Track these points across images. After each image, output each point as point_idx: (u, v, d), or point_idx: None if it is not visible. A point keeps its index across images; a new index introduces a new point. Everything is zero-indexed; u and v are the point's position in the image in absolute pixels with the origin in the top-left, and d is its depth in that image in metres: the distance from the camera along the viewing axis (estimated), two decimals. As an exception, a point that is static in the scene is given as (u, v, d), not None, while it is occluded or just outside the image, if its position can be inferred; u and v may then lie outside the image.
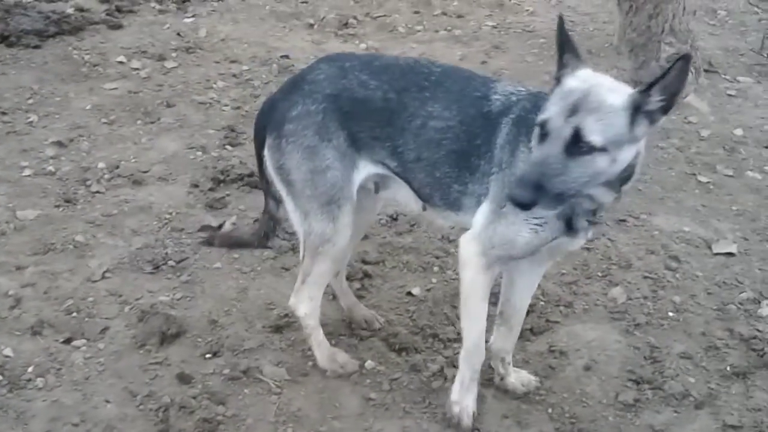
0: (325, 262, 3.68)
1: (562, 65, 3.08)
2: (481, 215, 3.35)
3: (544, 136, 2.94)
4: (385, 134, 3.52)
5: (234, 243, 4.36)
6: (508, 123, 3.31)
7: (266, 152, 3.66)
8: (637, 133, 2.94)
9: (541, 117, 2.97)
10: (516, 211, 3.09)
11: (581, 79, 3.00)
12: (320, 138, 3.50)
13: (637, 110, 2.90)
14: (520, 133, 3.25)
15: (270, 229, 3.99)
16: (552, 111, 2.94)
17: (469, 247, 3.38)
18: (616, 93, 2.93)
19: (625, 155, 2.96)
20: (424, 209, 3.66)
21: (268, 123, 3.64)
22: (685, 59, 2.86)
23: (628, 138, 2.92)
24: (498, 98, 3.38)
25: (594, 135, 2.86)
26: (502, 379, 3.86)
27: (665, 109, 2.93)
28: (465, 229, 3.44)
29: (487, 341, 3.65)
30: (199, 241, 4.57)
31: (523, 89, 3.41)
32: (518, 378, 3.86)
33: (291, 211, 3.67)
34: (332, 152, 3.51)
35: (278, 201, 3.80)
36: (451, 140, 3.44)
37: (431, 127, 3.46)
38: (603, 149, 2.87)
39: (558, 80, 3.05)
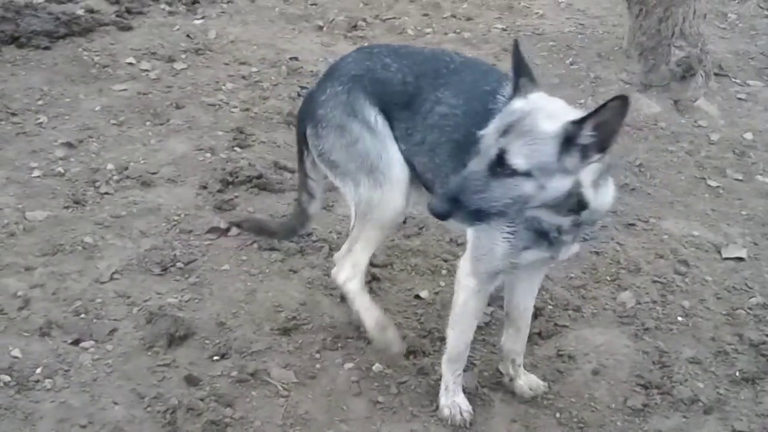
0: (373, 228, 3.76)
1: (516, 87, 3.07)
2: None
3: (477, 152, 2.98)
4: (402, 116, 3.62)
5: (261, 229, 4.48)
6: None
7: (309, 142, 3.82)
8: (567, 165, 2.90)
9: (480, 132, 2.99)
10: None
11: (528, 101, 3.00)
12: (347, 114, 3.66)
13: (568, 141, 2.87)
14: None
15: (299, 224, 4.15)
16: (489, 129, 2.97)
17: (463, 268, 3.50)
18: (552, 120, 2.90)
19: (557, 184, 2.93)
20: None
21: (306, 115, 3.83)
22: (622, 100, 2.80)
23: (557, 167, 2.89)
24: (503, 98, 3.37)
25: (518, 159, 2.87)
26: (511, 380, 3.87)
27: (600, 147, 2.88)
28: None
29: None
30: (229, 221, 4.67)
31: None
32: (527, 381, 3.87)
33: (343, 191, 3.82)
34: (358, 125, 3.65)
35: (312, 196, 3.97)
36: (452, 129, 3.48)
37: (437, 112, 3.52)
38: (527, 174, 2.88)
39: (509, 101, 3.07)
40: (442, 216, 2.99)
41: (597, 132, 2.85)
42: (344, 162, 3.69)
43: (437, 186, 3.58)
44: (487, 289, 3.52)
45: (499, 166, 2.89)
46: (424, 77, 3.61)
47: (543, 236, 3.23)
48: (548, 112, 2.95)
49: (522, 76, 3.07)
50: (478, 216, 2.97)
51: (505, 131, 2.91)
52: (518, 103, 3.00)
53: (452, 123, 3.49)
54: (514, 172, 2.88)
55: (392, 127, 3.66)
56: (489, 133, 2.95)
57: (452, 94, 3.51)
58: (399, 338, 3.93)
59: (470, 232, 3.44)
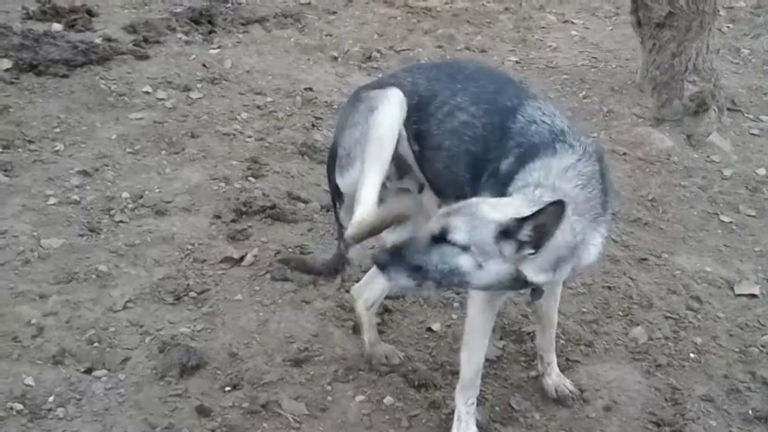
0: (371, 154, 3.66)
1: None
2: None
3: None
4: (414, 117, 3.66)
5: (307, 268, 4.51)
6: (514, 153, 3.37)
7: (334, 173, 3.86)
8: (505, 252, 3.02)
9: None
10: None
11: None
12: (359, 114, 3.72)
13: (506, 232, 3.00)
14: (512, 170, 3.31)
15: (339, 266, 4.19)
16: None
17: None
18: (497, 211, 3.05)
19: (496, 268, 3.05)
20: (420, 191, 3.82)
21: (331, 155, 3.89)
22: (559, 205, 2.92)
23: (494, 250, 3.01)
24: (522, 119, 3.42)
25: (458, 233, 3.03)
26: (540, 376, 4.02)
27: (534, 245, 3.01)
28: None
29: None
30: (278, 259, 4.70)
31: (547, 120, 3.41)
32: (555, 382, 3.99)
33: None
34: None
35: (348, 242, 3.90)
36: (471, 139, 3.52)
37: (457, 118, 3.56)
38: (465, 247, 3.02)
39: None
40: (381, 265, 3.14)
41: (534, 231, 2.98)
42: (352, 148, 3.70)
43: (448, 193, 3.64)
44: (495, 305, 3.55)
45: (442, 237, 3.05)
46: (436, 81, 3.68)
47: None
48: (494, 204, 3.12)
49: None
50: (418, 274, 3.09)
51: (452, 212, 3.09)
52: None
53: (471, 133, 3.52)
54: (453, 244, 3.03)
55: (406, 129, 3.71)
56: (438, 213, 3.14)
57: (471, 102, 3.56)
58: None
59: None
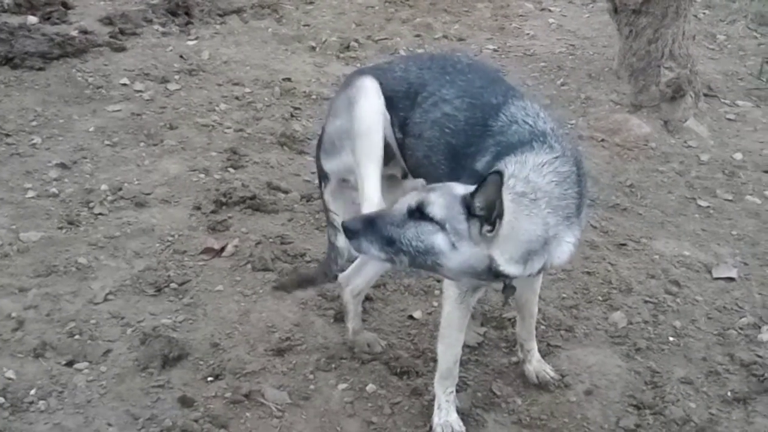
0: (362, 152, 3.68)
1: None
2: None
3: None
4: (402, 105, 3.67)
5: (303, 281, 4.39)
6: (492, 151, 3.35)
7: (319, 158, 3.92)
8: (473, 232, 3.02)
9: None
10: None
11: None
12: (344, 106, 3.73)
13: (468, 208, 3.01)
14: (490, 167, 3.27)
15: (333, 260, 4.04)
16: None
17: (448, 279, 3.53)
18: (465, 188, 3.07)
19: (468, 250, 3.04)
20: (404, 177, 3.83)
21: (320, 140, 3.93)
22: (496, 174, 2.92)
23: (466, 230, 3.02)
24: (504, 118, 3.41)
25: (434, 208, 3.03)
26: (522, 362, 4.04)
27: (488, 219, 3.00)
28: None
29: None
30: (273, 286, 4.55)
31: (529, 121, 3.38)
32: (536, 368, 4.01)
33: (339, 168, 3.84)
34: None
35: (336, 228, 3.88)
36: (452, 132, 3.52)
37: (440, 109, 3.56)
38: (440, 224, 3.02)
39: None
40: (352, 232, 3.12)
41: (484, 204, 2.97)
42: (338, 140, 3.74)
43: (429, 181, 3.62)
44: (469, 301, 3.55)
45: (418, 210, 3.05)
46: (429, 70, 3.69)
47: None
48: (465, 185, 3.10)
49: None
50: (391, 248, 3.09)
51: (430, 189, 3.13)
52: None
53: (452, 126, 3.52)
54: (430, 219, 3.03)
55: (392, 116, 3.71)
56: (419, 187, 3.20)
57: (456, 95, 3.56)
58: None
59: None
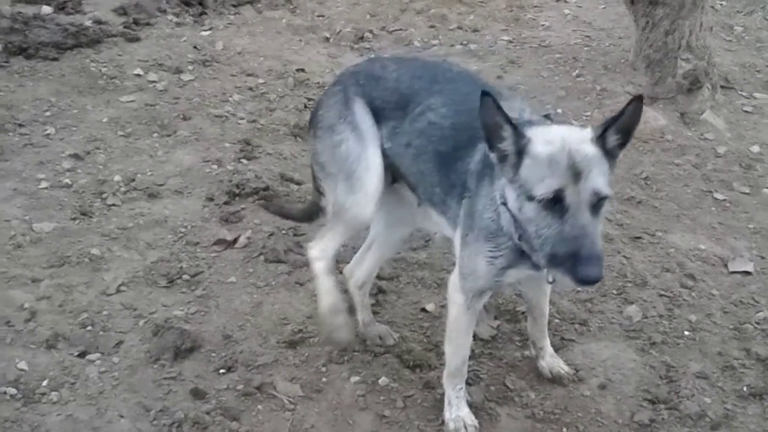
0: (344, 228, 3.82)
1: (517, 136, 3.02)
2: (456, 242, 3.48)
3: (560, 207, 2.93)
4: (393, 115, 3.65)
5: (284, 213, 4.61)
6: (482, 150, 3.30)
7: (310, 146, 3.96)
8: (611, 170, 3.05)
9: (543, 193, 2.92)
10: (477, 241, 3.28)
11: (549, 141, 3.00)
12: (337, 116, 3.72)
13: (605, 152, 3.00)
14: (487, 165, 3.26)
15: (314, 213, 4.14)
16: (555, 183, 2.92)
17: (452, 284, 3.54)
18: (586, 143, 2.98)
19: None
20: (419, 205, 3.79)
21: (310, 119, 3.93)
22: (638, 99, 2.95)
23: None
24: None
25: (605, 188, 2.96)
26: (535, 359, 4.03)
27: (622, 146, 3.04)
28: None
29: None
30: (257, 203, 4.76)
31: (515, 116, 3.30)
32: (549, 364, 3.99)
33: (324, 190, 3.87)
34: (346, 126, 3.69)
35: (321, 193, 3.95)
36: (438, 139, 3.51)
37: (426, 118, 3.55)
38: (610, 197, 3.02)
39: (521, 150, 3.01)
40: (599, 279, 2.94)
41: (619, 134, 3.00)
42: (329, 164, 3.75)
43: (420, 192, 3.67)
44: (476, 305, 3.54)
45: (596, 204, 2.95)
46: (419, 80, 3.65)
47: (525, 255, 3.23)
48: (574, 139, 3.00)
49: (510, 122, 3.02)
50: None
51: (576, 175, 2.91)
52: (543, 148, 2.98)
53: (439, 133, 3.51)
54: (605, 200, 2.99)
55: (381, 126, 3.69)
56: (562, 187, 2.90)
57: (443, 103, 3.54)
58: (349, 327, 3.94)
59: (458, 249, 3.46)
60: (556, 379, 3.97)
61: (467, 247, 3.37)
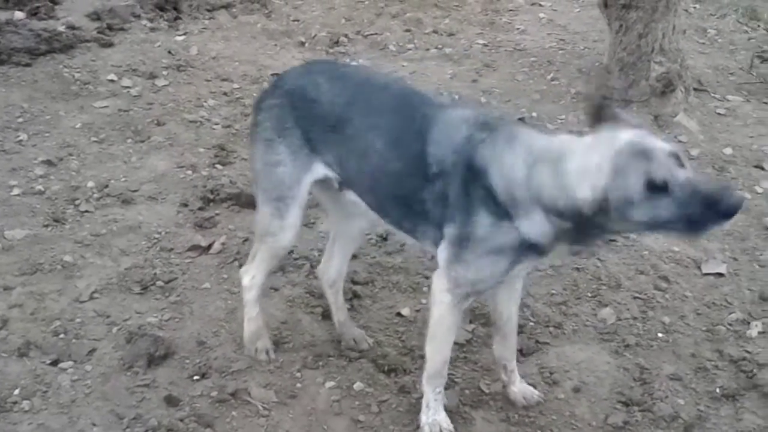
0: (267, 251, 3.88)
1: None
2: (442, 252, 3.39)
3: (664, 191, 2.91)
4: (332, 139, 3.59)
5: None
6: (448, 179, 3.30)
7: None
8: None
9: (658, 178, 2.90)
10: (480, 258, 3.25)
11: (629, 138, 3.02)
12: (276, 133, 3.66)
13: None
14: (474, 197, 3.25)
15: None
16: (667, 172, 2.90)
17: (438, 285, 3.46)
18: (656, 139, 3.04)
19: None
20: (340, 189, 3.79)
21: (254, 109, 3.87)
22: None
23: None
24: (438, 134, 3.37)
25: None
26: (504, 386, 3.90)
27: None
28: None
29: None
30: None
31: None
32: (521, 390, 3.89)
33: (256, 196, 3.87)
34: (285, 149, 3.65)
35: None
36: (387, 174, 3.47)
37: (371, 141, 3.48)
38: None
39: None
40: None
41: None
42: (259, 176, 3.76)
43: (387, 221, 3.64)
44: (462, 306, 3.50)
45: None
46: (355, 103, 3.56)
47: (533, 247, 3.23)
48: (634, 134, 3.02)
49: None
50: None
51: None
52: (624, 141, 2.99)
53: (384, 166, 3.46)
54: None
55: (319, 150, 3.63)
56: (666, 172, 2.90)
57: (386, 124, 3.48)
58: (268, 349, 4.04)
59: (445, 252, 3.39)
60: (530, 406, 3.87)
61: (467, 265, 3.31)
